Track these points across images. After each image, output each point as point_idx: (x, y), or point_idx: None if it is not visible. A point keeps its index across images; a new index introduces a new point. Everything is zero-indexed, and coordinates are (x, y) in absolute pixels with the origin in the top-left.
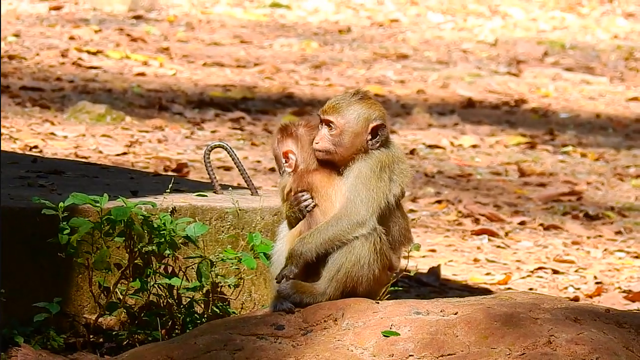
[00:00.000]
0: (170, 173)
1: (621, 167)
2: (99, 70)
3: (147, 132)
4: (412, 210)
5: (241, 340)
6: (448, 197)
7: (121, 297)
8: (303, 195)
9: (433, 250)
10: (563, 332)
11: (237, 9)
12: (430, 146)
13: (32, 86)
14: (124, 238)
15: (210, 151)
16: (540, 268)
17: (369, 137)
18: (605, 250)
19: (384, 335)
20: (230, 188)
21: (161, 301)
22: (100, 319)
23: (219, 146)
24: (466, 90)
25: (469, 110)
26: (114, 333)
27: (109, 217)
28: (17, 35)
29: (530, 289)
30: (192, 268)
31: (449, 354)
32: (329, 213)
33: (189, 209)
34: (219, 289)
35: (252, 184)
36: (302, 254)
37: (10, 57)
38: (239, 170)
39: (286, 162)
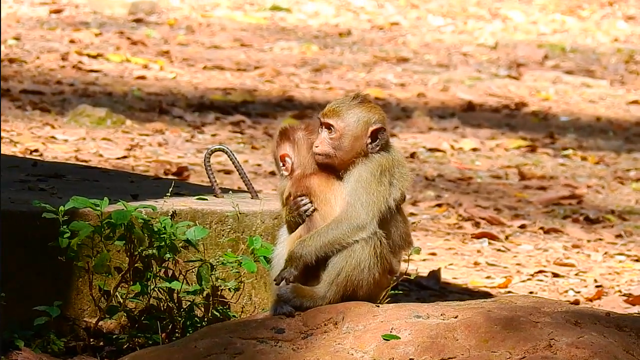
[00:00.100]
0: (170, 177)
1: (621, 171)
2: (99, 74)
3: (147, 135)
4: (412, 214)
5: (241, 344)
6: (448, 201)
7: (121, 300)
8: (302, 200)
9: (433, 254)
10: (563, 336)
11: (238, 12)
12: (430, 149)
13: (32, 89)
14: (124, 242)
15: (210, 154)
16: (540, 271)
17: (369, 140)
18: (605, 253)
19: (384, 339)
20: (230, 191)
21: (161, 305)
22: (100, 323)
23: (220, 150)
24: (466, 94)
25: (469, 114)
26: (114, 337)
27: (109, 220)
28: (17, 39)
29: (531, 292)
30: (193, 271)
31: (449, 358)
32: (328, 217)
33: (189, 213)
34: (219, 293)
35: (253, 188)
36: (302, 257)
37: (11, 61)
38: (239, 173)
39: (283, 165)
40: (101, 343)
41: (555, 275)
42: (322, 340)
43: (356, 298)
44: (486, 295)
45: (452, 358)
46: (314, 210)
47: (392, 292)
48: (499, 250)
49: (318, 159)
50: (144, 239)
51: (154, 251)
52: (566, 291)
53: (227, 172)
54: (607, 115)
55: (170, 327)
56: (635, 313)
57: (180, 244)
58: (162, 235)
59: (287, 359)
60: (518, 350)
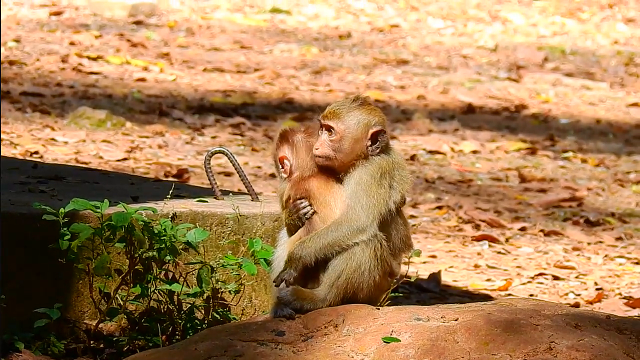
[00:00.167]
0: (170, 179)
1: (621, 173)
2: (99, 76)
3: (147, 137)
4: (412, 216)
5: (242, 346)
6: (448, 203)
7: (122, 302)
8: (302, 203)
9: (433, 256)
10: (564, 339)
11: (237, 14)
12: (430, 152)
13: (32, 92)
14: (124, 244)
15: (210, 157)
16: (540, 274)
17: (369, 143)
18: (605, 256)
19: (385, 342)
20: (230, 194)
21: (162, 307)
22: (100, 325)
23: (220, 152)
24: (466, 96)
25: (469, 116)
26: (114, 339)
27: (109, 222)
28: (17, 41)
29: (531, 295)
30: (193, 274)
31: None
32: (328, 220)
33: (189, 215)
34: (219, 295)
35: (253, 190)
36: (301, 258)
37: (11, 63)
38: (240, 175)
39: (282, 168)
40: (101, 345)
41: (556, 277)
42: (323, 342)
43: (356, 300)
44: (486, 297)
45: None
46: (314, 213)
47: (393, 294)
48: (499, 252)
49: (318, 161)
50: (144, 241)
51: (154, 253)
52: (566, 294)
53: (227, 174)
54: (607, 118)
55: (170, 329)
56: (635, 316)
57: (181, 246)
58: (162, 238)
59: None
60: (518, 353)
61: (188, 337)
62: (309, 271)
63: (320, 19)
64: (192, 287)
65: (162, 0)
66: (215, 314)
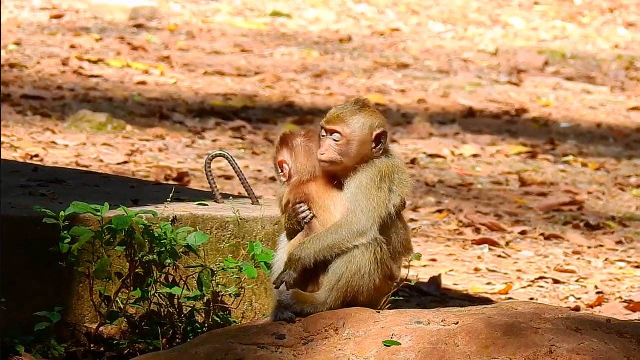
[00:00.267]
0: (171, 182)
1: (622, 177)
2: (99, 79)
3: (148, 141)
4: (412, 220)
5: (242, 350)
6: (449, 207)
7: (122, 306)
8: (301, 207)
9: (434, 260)
10: (564, 342)
11: (238, 18)
12: (431, 155)
13: (33, 95)
14: (125, 247)
15: (211, 160)
16: (541, 278)
17: (373, 145)
18: (606, 260)
19: (385, 345)
20: (231, 197)
21: (162, 310)
22: (101, 328)
23: (220, 155)
24: (467, 100)
25: (470, 120)
26: (115, 342)
27: (110, 226)
28: (18, 44)
29: (531, 298)
30: (193, 277)
31: None
32: (327, 224)
33: (189, 218)
34: (220, 299)
35: (253, 193)
36: (301, 259)
37: (11, 66)
38: (240, 179)
39: (281, 171)
40: (102, 349)
41: (556, 281)
42: (323, 346)
43: (357, 304)
44: (487, 301)
45: None
46: (313, 217)
47: (393, 298)
48: (499, 256)
49: (324, 166)
50: (145, 245)
51: (155, 257)
52: (567, 298)
53: (228, 178)
54: (608, 122)
55: (171, 332)
56: (636, 320)
57: (181, 250)
58: (162, 241)
59: None
60: (519, 356)
61: (188, 340)
62: (309, 274)
63: (321, 23)
64: (192, 290)
65: (162, 4)
66: (215, 318)
